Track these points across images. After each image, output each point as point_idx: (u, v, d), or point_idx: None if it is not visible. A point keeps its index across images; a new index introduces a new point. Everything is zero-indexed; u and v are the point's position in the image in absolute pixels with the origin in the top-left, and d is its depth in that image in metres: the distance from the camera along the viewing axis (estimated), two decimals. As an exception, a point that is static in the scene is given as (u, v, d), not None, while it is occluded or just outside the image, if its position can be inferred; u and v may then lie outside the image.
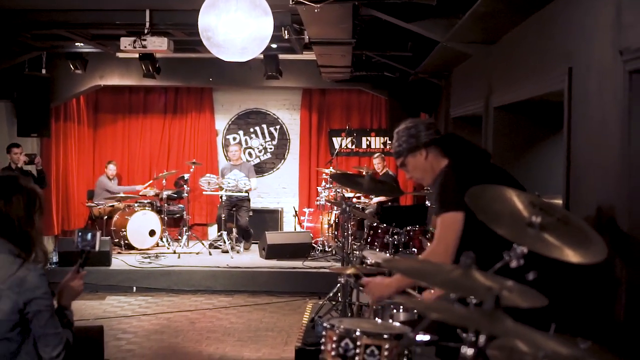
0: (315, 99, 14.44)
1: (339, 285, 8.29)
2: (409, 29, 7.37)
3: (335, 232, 12.19)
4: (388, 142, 13.99)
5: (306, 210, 13.53)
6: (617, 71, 3.47)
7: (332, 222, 12.30)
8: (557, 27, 4.89)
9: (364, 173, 5.41)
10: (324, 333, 3.85)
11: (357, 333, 3.71)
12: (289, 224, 14.28)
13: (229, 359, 7.22)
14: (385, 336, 3.72)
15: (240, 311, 9.39)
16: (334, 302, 8.22)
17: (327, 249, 12.32)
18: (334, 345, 3.73)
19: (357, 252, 5.94)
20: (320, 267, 10.96)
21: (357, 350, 3.67)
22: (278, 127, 14.65)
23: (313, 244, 12.25)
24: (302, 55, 11.27)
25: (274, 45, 10.65)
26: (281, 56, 11.76)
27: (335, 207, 12.05)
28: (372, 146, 14.37)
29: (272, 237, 11.81)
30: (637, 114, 3.24)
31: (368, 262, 5.31)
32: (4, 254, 2.91)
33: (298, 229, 13.58)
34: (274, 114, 14.65)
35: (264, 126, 14.67)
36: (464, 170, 3.71)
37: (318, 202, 12.82)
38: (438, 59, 8.93)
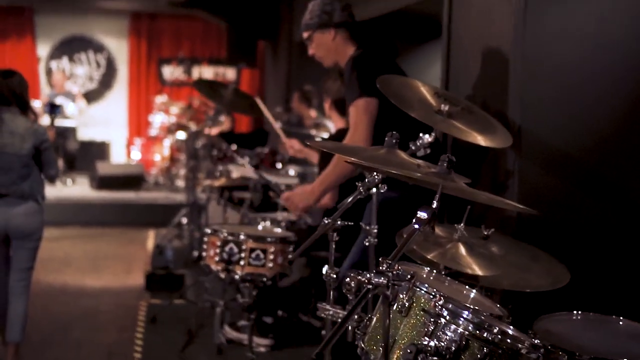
0: (144, 25, 13.84)
1: (183, 211, 8.13)
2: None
3: (169, 162, 11.87)
4: (219, 72, 13.76)
5: (137, 141, 13.04)
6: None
7: (164, 154, 11.95)
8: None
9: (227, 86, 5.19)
10: (205, 239, 3.72)
11: (242, 237, 3.60)
12: (119, 155, 13.71)
13: (71, 288, 6.85)
14: (270, 239, 3.64)
15: (74, 242, 8.95)
16: (178, 230, 8.08)
17: (160, 180, 11.99)
18: (217, 251, 3.61)
19: (221, 168, 5.77)
20: (155, 198, 10.69)
21: (243, 255, 3.57)
22: (105, 54, 13.93)
23: (145, 176, 11.88)
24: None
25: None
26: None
27: (168, 137, 11.66)
28: (204, 76, 14.01)
29: (103, 168, 11.33)
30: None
31: (233, 176, 5.17)
32: (21, 116, 4.37)
33: (128, 160, 13.10)
34: (100, 41, 13.88)
35: (90, 53, 13.89)
36: (376, 59, 3.63)
37: (154, 134, 12.25)
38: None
